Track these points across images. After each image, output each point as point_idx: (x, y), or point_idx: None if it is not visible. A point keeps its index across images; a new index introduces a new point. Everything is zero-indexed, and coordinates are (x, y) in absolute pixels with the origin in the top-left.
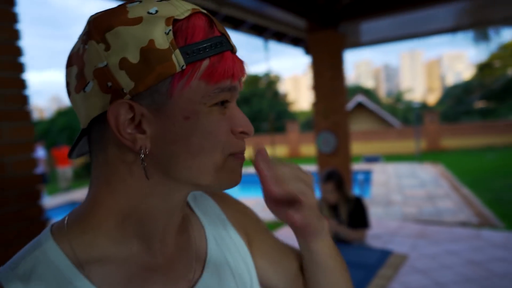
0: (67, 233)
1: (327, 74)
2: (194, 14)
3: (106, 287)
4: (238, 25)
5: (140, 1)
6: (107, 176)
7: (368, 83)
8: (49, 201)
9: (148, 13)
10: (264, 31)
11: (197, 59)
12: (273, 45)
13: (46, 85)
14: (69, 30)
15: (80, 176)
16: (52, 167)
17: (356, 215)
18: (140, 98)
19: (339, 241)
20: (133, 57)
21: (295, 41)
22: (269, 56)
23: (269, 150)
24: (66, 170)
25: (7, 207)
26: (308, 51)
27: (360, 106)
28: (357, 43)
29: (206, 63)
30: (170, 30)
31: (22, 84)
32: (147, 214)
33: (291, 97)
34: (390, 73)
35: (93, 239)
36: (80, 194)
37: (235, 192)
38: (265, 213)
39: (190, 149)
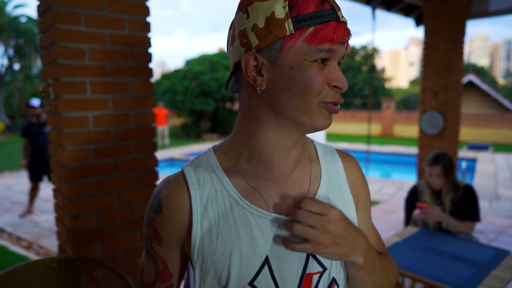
0: (221, 150)
1: (443, 47)
2: None
3: (239, 189)
4: None
5: None
6: (243, 108)
7: (482, 61)
8: None
9: None
10: None
11: (304, 26)
12: (377, 16)
13: (153, 50)
14: (176, 0)
15: (178, 136)
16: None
17: (465, 205)
18: (262, 52)
19: (442, 230)
20: (261, 23)
21: (406, 10)
22: (375, 27)
23: (363, 128)
24: (164, 129)
25: (129, 155)
26: (420, 21)
27: (469, 86)
28: (482, 13)
29: (311, 29)
30: (286, 5)
31: (148, 43)
32: (265, 143)
33: (388, 73)
34: None
35: (235, 156)
36: (177, 152)
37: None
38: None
39: (291, 91)
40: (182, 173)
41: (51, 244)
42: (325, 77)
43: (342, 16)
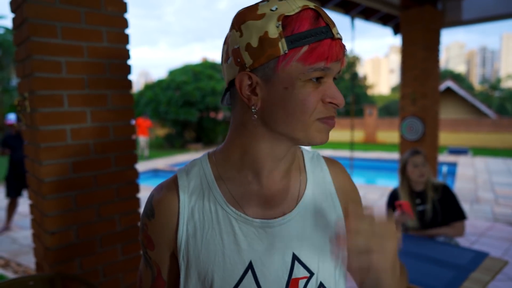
0: (215, 157)
1: (419, 55)
2: (303, 10)
3: (226, 196)
4: (324, 2)
5: (268, 1)
6: (236, 122)
7: (459, 68)
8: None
9: (271, 10)
10: (352, 8)
11: (298, 46)
12: (356, 25)
13: (136, 61)
14: (159, 11)
15: (162, 147)
16: (135, 135)
17: (446, 204)
18: (256, 71)
19: (423, 229)
20: (254, 43)
21: (384, 20)
22: (354, 36)
23: (347, 135)
24: (143, 139)
25: (109, 168)
26: (398, 30)
27: (448, 92)
28: (456, 22)
29: (305, 48)
30: (280, 24)
31: (127, 55)
32: (258, 154)
33: (370, 80)
34: (487, 56)
35: (226, 165)
36: (162, 163)
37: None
38: None
39: (285, 110)
40: (175, 177)
41: (30, 262)
42: (319, 95)
43: (337, 33)
